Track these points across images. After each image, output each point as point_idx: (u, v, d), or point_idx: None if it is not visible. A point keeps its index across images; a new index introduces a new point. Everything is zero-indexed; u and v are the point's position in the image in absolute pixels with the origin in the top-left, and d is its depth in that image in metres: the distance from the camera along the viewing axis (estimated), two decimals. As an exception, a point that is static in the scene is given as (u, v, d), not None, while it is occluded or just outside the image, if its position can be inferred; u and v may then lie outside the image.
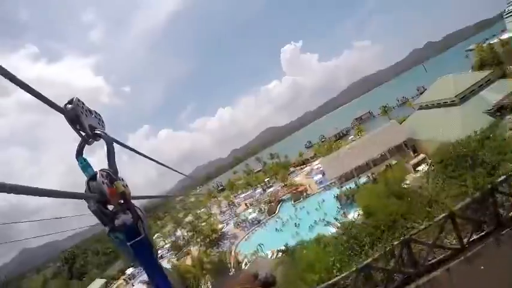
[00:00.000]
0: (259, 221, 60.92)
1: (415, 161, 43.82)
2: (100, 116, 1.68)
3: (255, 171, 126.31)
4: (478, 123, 38.42)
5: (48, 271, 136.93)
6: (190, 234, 61.11)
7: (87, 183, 1.36)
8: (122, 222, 1.38)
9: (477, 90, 42.12)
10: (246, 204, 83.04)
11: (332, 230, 36.87)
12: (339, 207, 46.97)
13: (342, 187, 47.87)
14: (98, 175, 1.36)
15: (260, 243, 43.30)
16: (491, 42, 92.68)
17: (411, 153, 45.87)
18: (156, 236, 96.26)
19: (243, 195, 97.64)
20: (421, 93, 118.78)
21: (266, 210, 65.45)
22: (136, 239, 1.37)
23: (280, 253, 31.56)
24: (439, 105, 46.00)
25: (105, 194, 1.32)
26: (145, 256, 1.45)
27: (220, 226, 66.87)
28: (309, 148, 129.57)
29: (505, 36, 70.52)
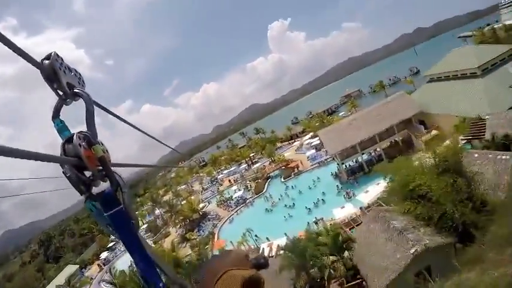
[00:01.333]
0: (245, 200, 55.01)
1: (427, 137, 38.42)
2: (80, 74, 1.47)
3: (239, 146, 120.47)
4: (503, 97, 33.85)
5: (27, 254, 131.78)
6: (168, 214, 54.46)
7: (63, 146, 1.21)
8: (100, 190, 1.25)
9: (499, 63, 37.93)
10: (230, 181, 77.16)
11: (340, 215, 31.56)
12: (340, 186, 41.42)
13: (342, 163, 42.06)
14: (75, 137, 1.20)
15: (248, 229, 37.05)
16: (495, 26, 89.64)
17: (422, 128, 40.26)
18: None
19: (227, 171, 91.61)
20: (414, 73, 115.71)
21: (253, 188, 59.67)
22: (114, 210, 1.21)
23: (282, 250, 25.53)
24: (455, 77, 40.42)
25: (81, 158, 1.17)
26: (125, 230, 1.25)
27: (201, 205, 60.64)
28: (296, 124, 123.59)
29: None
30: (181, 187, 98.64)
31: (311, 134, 75.13)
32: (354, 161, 43.54)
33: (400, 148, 41.68)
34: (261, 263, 1.49)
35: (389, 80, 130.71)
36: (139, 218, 78.85)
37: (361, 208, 31.10)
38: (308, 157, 60.47)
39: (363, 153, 41.68)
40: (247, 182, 65.54)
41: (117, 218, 1.23)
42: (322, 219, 33.32)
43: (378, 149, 42.01)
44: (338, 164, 44.68)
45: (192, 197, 72.98)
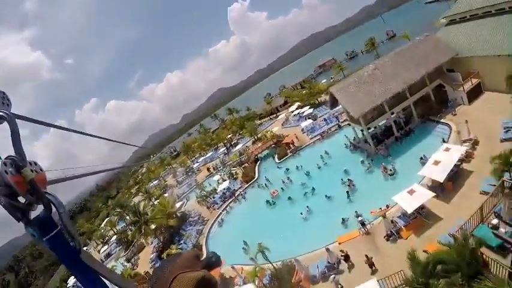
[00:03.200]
0: (233, 192, 43.35)
1: (468, 86, 28.54)
2: (4, 93, 1.40)
3: (211, 130, 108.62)
4: None
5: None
6: (137, 223, 41.63)
7: None
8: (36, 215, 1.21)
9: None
10: (208, 169, 65.11)
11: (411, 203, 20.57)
12: (365, 160, 30.78)
13: (368, 128, 31.24)
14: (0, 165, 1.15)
15: (261, 245, 25.52)
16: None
17: (459, 76, 30.22)
18: (104, 223, 74.59)
19: (202, 158, 79.66)
20: (391, 37, 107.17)
21: (240, 175, 48.18)
22: (51, 233, 1.16)
23: None
24: (487, 14, 29.62)
25: (10, 185, 1.12)
26: (66, 255, 1.19)
27: (178, 204, 48.23)
28: (269, 100, 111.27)
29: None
30: (153, 183, 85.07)
31: (297, 104, 66.36)
32: (373, 126, 33.08)
33: (432, 105, 31.76)
34: (213, 262, 1.43)
35: (365, 45, 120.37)
36: (109, 227, 65.07)
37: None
38: (304, 129, 49.86)
39: (392, 113, 31.08)
40: (232, 169, 53.81)
41: (55, 242, 1.16)
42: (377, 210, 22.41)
43: (408, 107, 31.63)
44: (360, 131, 34.25)
45: (166, 195, 60.21)
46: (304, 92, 68.45)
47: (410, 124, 32.14)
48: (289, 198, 33.37)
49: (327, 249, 20.02)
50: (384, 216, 20.21)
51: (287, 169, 40.46)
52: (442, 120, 29.02)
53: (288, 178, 37.75)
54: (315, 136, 45.72)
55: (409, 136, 30.86)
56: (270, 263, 21.61)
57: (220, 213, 39.42)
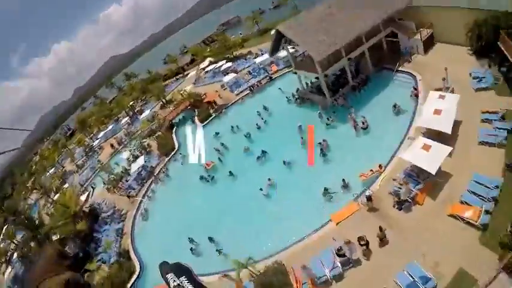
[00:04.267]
0: (152, 171, 34.36)
1: (424, 35, 25.85)
2: None
3: (109, 100, 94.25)
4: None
5: None
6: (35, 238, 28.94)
7: None
8: None
9: None
10: (112, 145, 53.11)
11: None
12: (324, 114, 25.87)
13: (325, 75, 25.84)
14: None
15: (190, 239, 19.41)
16: None
17: (413, 25, 27.28)
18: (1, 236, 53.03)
19: (102, 133, 65.87)
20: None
21: (156, 148, 38.95)
22: None
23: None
24: None
25: None
26: None
27: (83, 197, 36.37)
28: (167, 63, 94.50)
29: None
30: (50, 172, 66.32)
31: (209, 60, 60.32)
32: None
33: (384, 54, 28.69)
34: (78, 253, 0.97)
35: (272, 2, 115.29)
36: (9, 240, 46.38)
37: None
38: (225, 85, 43.87)
39: (349, 59, 26.38)
40: (142, 140, 43.59)
41: None
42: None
43: (363, 54, 27.49)
44: (304, 83, 29.29)
45: (66, 185, 46.38)
46: (217, 46, 62.10)
47: (361, 73, 28.37)
48: (230, 173, 26.18)
49: (334, 239, 14.60)
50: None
51: (216, 133, 33.17)
52: (403, 69, 25.74)
53: (222, 144, 30.74)
54: (242, 92, 40.11)
55: (366, 85, 27.00)
56: (248, 269, 14.84)
57: (141, 200, 30.22)
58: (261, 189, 21.64)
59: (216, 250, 18.98)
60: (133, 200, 30.69)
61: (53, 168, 67.91)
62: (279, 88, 34.44)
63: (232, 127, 32.55)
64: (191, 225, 22.59)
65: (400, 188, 15.25)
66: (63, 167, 66.30)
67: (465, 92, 18.97)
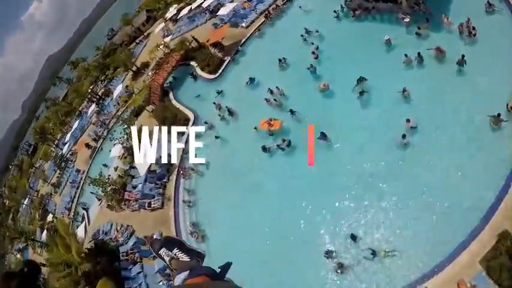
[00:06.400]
0: (169, 163, 22.79)
1: None
2: None
3: (61, 97, 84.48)
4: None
5: None
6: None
7: None
8: None
9: None
10: (87, 144, 41.99)
11: None
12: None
13: None
14: None
15: None
16: None
17: None
18: None
19: (69, 135, 53.71)
20: None
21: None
22: None
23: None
24: None
25: None
26: None
27: (79, 230, 25.30)
28: (113, 37, 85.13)
29: None
30: (25, 204, 53.61)
31: (175, 6, 49.70)
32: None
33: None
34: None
35: None
36: None
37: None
38: (224, 19, 33.78)
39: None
40: (126, 127, 31.39)
41: None
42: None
43: None
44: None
45: (50, 217, 35.72)
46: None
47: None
48: (322, 134, 16.21)
49: None
50: None
51: (251, 79, 22.73)
52: None
53: (272, 92, 20.09)
54: (252, 21, 30.31)
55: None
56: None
57: (175, 212, 19.11)
58: (403, 136, 12.97)
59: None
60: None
61: (27, 198, 54.60)
62: (299, 6, 26.76)
63: (279, 60, 21.96)
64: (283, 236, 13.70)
65: None
66: (37, 192, 53.07)
67: None
